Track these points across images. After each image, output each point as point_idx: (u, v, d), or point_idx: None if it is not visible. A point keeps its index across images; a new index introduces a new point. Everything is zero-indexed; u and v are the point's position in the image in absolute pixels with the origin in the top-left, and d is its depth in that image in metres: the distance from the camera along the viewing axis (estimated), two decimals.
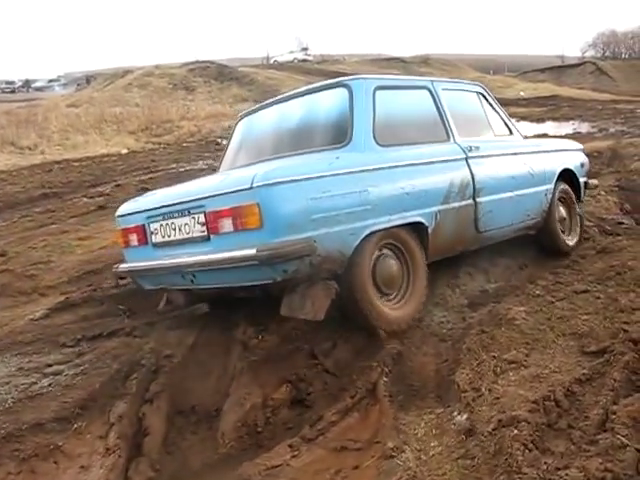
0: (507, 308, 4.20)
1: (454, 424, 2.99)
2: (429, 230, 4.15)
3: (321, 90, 4.49)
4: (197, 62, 42.71)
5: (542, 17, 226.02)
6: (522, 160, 5.28)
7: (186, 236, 3.71)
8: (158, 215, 3.92)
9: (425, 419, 3.12)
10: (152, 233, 3.99)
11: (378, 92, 4.23)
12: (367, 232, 3.72)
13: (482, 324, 4.04)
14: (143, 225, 4.05)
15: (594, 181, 6.69)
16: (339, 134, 4.06)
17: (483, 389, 3.22)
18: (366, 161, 3.88)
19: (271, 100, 5.07)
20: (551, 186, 5.57)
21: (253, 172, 3.47)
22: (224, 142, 19.98)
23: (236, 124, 5.20)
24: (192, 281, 3.79)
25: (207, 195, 3.61)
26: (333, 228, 3.53)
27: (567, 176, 5.86)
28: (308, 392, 3.68)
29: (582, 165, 6.21)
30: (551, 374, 3.31)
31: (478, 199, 4.63)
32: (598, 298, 4.31)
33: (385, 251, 3.96)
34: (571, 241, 5.87)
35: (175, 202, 3.80)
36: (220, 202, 3.48)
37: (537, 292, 4.59)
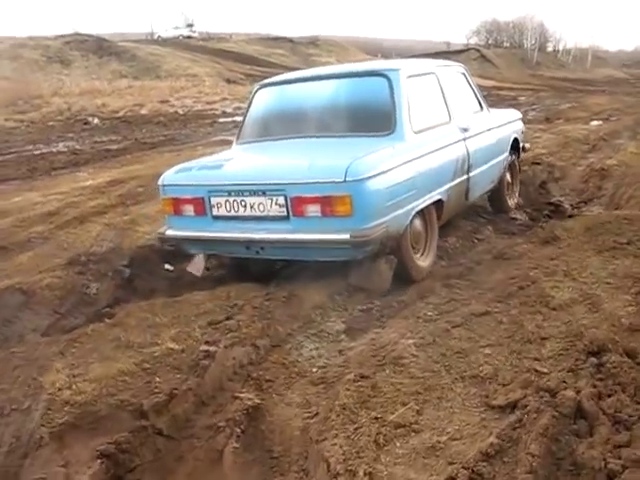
0: (393, 341, 3.36)
1: None
2: (444, 204, 4.78)
3: (361, 76, 4.94)
4: (75, 35, 39.89)
5: (429, 3, 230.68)
6: (493, 134, 5.92)
7: (259, 214, 4.05)
8: (223, 191, 4.16)
9: None
10: (213, 206, 4.23)
11: (409, 80, 4.64)
12: (414, 213, 4.32)
13: (362, 363, 3.19)
14: (202, 198, 4.26)
15: (528, 145, 7.43)
16: (384, 122, 4.44)
17: (361, 472, 2.35)
18: (412, 150, 4.38)
19: (299, 75, 5.35)
20: (507, 154, 6.35)
21: (342, 163, 3.85)
22: (96, 121, 18.37)
23: (255, 93, 5.26)
24: (258, 252, 4.16)
25: (291, 182, 3.93)
26: (396, 212, 4.07)
27: (513, 143, 6.56)
28: (132, 466, 2.72)
29: (522, 132, 7.04)
30: (450, 443, 2.51)
31: (470, 174, 5.27)
32: (501, 322, 3.57)
33: (415, 220, 4.45)
34: (512, 202, 6.75)
35: (248, 182, 4.09)
36: (307, 189, 3.86)
37: (429, 313, 3.80)
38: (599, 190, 7.85)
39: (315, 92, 4.98)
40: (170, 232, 4.52)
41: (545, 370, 2.96)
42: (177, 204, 4.44)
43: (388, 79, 4.53)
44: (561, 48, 77.12)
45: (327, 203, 3.81)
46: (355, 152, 4.08)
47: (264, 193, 4.00)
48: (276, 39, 53.78)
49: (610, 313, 3.64)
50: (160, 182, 4.55)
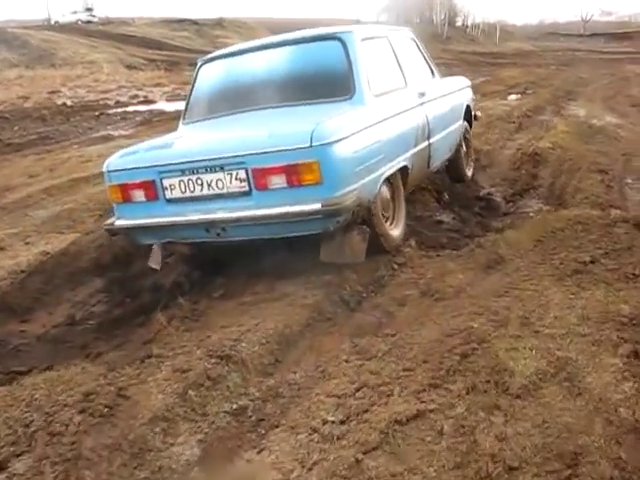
0: None
1: None
2: (409, 170, 4.57)
3: (312, 41, 4.64)
4: None
5: None
6: (448, 100, 5.79)
7: (218, 191, 3.76)
8: (176, 171, 3.86)
9: None
10: (166, 189, 3.92)
11: (364, 43, 4.45)
12: (383, 179, 4.13)
13: None
14: (153, 180, 3.95)
15: (479, 113, 7.16)
16: (341, 87, 4.25)
17: None
18: (374, 113, 4.19)
19: (246, 46, 5.00)
20: (462, 122, 6.23)
21: (306, 128, 3.58)
22: None
23: (198, 69, 4.99)
24: (218, 234, 3.87)
25: (251, 152, 3.63)
26: (366, 179, 3.86)
27: (466, 110, 6.43)
28: None
29: (473, 100, 6.89)
30: None
31: (430, 140, 5.10)
32: (441, 435, 2.25)
33: (383, 187, 4.20)
34: (469, 172, 6.52)
35: (203, 158, 3.76)
36: (270, 159, 3.58)
37: (329, 420, 2.43)
38: (534, 179, 6.71)
39: (265, 62, 4.71)
40: (120, 222, 4.17)
41: None
42: (125, 190, 4.11)
43: (342, 42, 4.34)
44: (470, 23, 77.49)
45: (293, 172, 3.56)
46: (317, 117, 3.83)
47: (222, 168, 3.72)
48: (180, 21, 51.34)
49: (600, 399, 2.40)
50: (105, 168, 4.21)
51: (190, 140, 4.38)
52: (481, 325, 3.03)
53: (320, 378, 2.84)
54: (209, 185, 3.78)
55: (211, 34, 47.93)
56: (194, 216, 3.85)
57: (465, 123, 6.46)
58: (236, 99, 4.69)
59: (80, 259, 4.83)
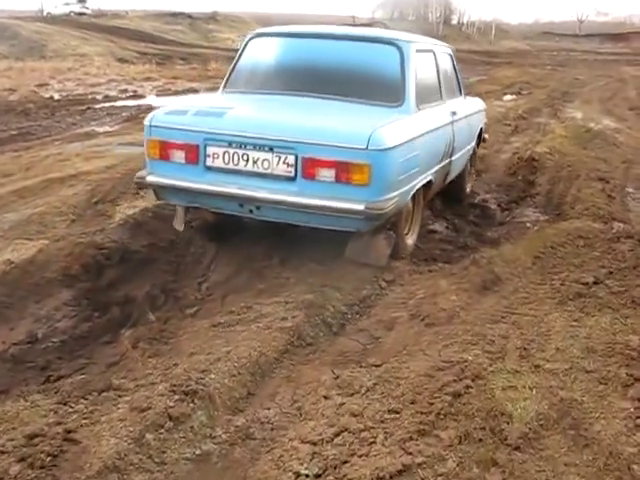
0: None
1: None
2: (432, 184, 4.60)
3: (370, 41, 4.63)
4: None
5: None
6: (469, 121, 5.83)
7: (262, 170, 3.74)
8: (223, 141, 3.83)
9: None
10: (208, 156, 3.89)
11: (417, 55, 4.48)
12: (415, 190, 4.16)
13: None
14: (197, 145, 3.90)
15: (487, 135, 7.05)
16: (393, 93, 4.25)
17: None
18: (418, 125, 4.21)
19: (302, 30, 5.04)
20: (474, 143, 6.26)
21: (364, 130, 3.59)
22: None
23: (248, 41, 4.91)
24: (251, 211, 3.88)
25: (304, 140, 3.62)
26: (405, 187, 3.91)
27: (479, 132, 6.50)
28: None
29: (485, 123, 6.94)
30: None
31: (452, 157, 5.13)
32: None
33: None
34: (468, 188, 6.36)
35: (254, 135, 3.73)
36: (323, 152, 3.58)
37: None
38: (531, 186, 6.44)
39: (319, 50, 4.68)
40: (152, 178, 4.11)
41: None
42: (165, 148, 4.03)
43: (400, 50, 4.36)
44: (465, 21, 77.20)
45: (344, 169, 3.56)
46: (372, 120, 3.84)
47: (271, 149, 3.70)
48: (174, 15, 50.77)
49: (610, 452, 2.12)
50: (147, 122, 4.11)
51: (241, 112, 4.22)
52: (476, 357, 2.74)
53: (296, 416, 2.55)
54: (255, 162, 3.76)
55: (205, 28, 47.44)
56: (232, 189, 3.81)
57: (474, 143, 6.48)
58: (285, 80, 4.64)
59: (47, 268, 4.49)
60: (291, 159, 3.67)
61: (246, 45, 4.90)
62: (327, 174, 3.60)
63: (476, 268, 3.78)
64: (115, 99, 16.99)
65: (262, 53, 4.90)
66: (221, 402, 2.61)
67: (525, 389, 2.49)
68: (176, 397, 2.54)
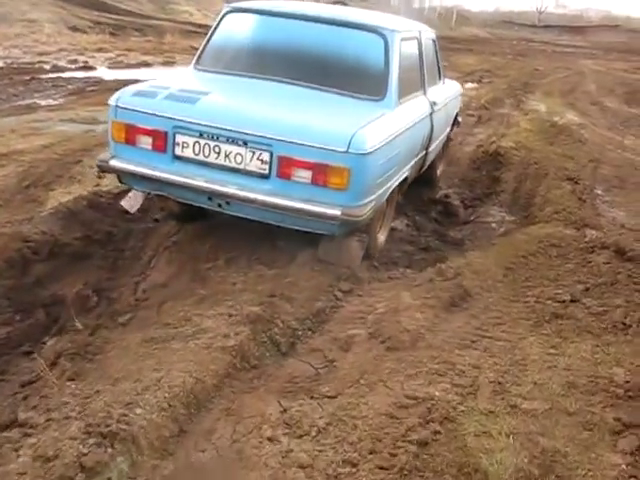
0: None
1: None
2: (407, 180, 4.49)
3: (354, 27, 4.29)
4: None
5: None
6: (447, 108, 5.68)
7: (234, 165, 3.54)
8: (194, 130, 3.58)
9: None
10: (177, 144, 3.66)
11: (402, 44, 4.29)
12: (390, 191, 3.99)
13: None
14: (166, 132, 3.67)
15: (460, 118, 6.90)
16: (375, 86, 4.05)
17: None
18: (398, 121, 4.00)
19: (283, 9, 4.55)
20: (449, 128, 6.14)
21: (345, 131, 3.39)
22: None
23: (223, 15, 4.61)
24: (220, 206, 3.69)
25: (281, 138, 3.40)
26: (382, 189, 3.74)
27: (455, 117, 6.42)
28: None
29: (460, 107, 6.88)
30: None
31: (428, 149, 5.03)
32: None
33: None
34: (439, 171, 6.20)
35: (228, 127, 3.50)
36: (300, 152, 3.38)
37: None
38: (496, 182, 6.14)
39: (300, 33, 4.41)
40: (115, 162, 3.86)
41: None
42: (131, 132, 3.81)
43: (385, 40, 4.14)
44: (427, 6, 77.00)
45: (321, 171, 3.38)
46: (352, 118, 3.66)
47: (245, 144, 3.50)
48: None
49: None
50: (113, 102, 3.84)
51: (215, 100, 3.96)
52: (444, 393, 2.40)
53: (235, 462, 2.16)
54: (226, 156, 3.56)
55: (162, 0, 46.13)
56: (200, 182, 3.60)
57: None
58: (263, 62, 4.39)
59: None
60: (266, 156, 3.48)
61: (221, 19, 4.62)
62: (303, 175, 3.41)
63: (442, 280, 3.42)
64: (63, 70, 16.14)
65: (239, 30, 4.64)
66: (147, 444, 2.20)
67: (501, 436, 2.16)
68: (91, 441, 2.12)
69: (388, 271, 3.94)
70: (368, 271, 3.88)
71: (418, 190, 5.77)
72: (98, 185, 5.07)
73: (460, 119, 6.86)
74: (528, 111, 10.23)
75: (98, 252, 4.27)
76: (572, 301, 3.18)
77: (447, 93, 5.79)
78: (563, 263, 3.66)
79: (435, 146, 5.34)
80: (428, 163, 5.31)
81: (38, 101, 10.49)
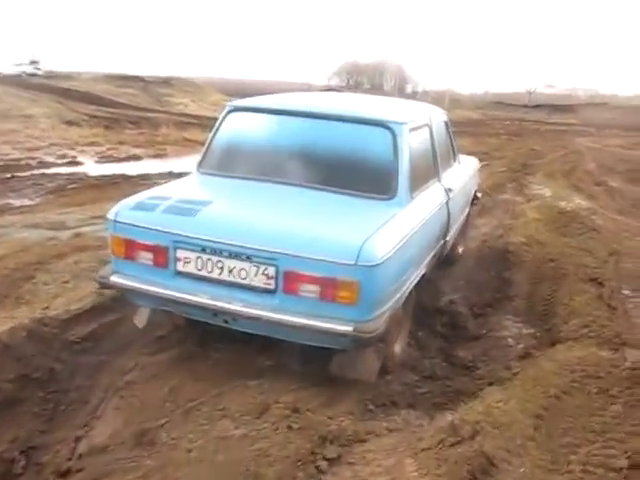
0: None
1: None
2: (425, 276, 4.22)
3: (361, 122, 4.13)
4: None
5: (290, 45, 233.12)
6: (464, 190, 5.56)
7: (238, 280, 3.40)
8: (195, 245, 3.48)
9: None
10: (179, 260, 3.55)
11: (411, 135, 4.12)
12: (406, 295, 3.76)
13: None
14: (166, 247, 3.57)
15: (480, 194, 6.75)
16: (384, 184, 3.87)
17: None
18: (410, 220, 3.83)
19: (286, 106, 4.48)
20: (469, 208, 6.09)
21: (353, 242, 3.22)
22: None
23: (226, 115, 4.48)
24: (226, 322, 3.52)
25: (286, 252, 3.27)
26: (395, 296, 3.52)
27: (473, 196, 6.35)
28: None
29: (478, 183, 6.70)
30: None
31: (447, 237, 4.87)
32: None
33: None
34: (460, 250, 6.05)
35: (230, 242, 3.39)
36: (307, 266, 3.21)
37: None
38: (507, 285, 5.42)
39: (305, 131, 4.29)
40: (116, 279, 3.72)
41: None
42: (131, 247, 3.69)
43: (393, 133, 3.97)
44: (420, 90, 78.71)
45: (329, 286, 3.16)
46: (361, 225, 3.46)
47: (249, 258, 3.33)
48: (126, 78, 50.09)
49: None
50: (111, 216, 3.73)
51: (217, 211, 3.78)
52: None
53: None
54: (230, 271, 3.42)
55: (158, 92, 46.79)
56: (204, 299, 3.44)
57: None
58: (266, 164, 4.25)
59: None
60: (271, 271, 3.32)
61: (224, 119, 4.51)
62: (311, 289, 3.24)
63: (457, 442, 2.64)
64: (49, 165, 15.77)
65: (241, 129, 4.52)
66: None
67: None
68: None
69: (387, 416, 3.18)
70: (362, 417, 3.11)
71: (419, 297, 5.07)
72: (47, 308, 4.36)
73: (480, 194, 6.73)
74: (532, 196, 9.67)
75: (35, 396, 3.57)
76: (632, 467, 2.40)
77: (463, 174, 5.64)
78: (607, 403, 2.90)
79: (454, 231, 5.14)
80: (447, 250, 5.06)
81: (12, 201, 9.92)
